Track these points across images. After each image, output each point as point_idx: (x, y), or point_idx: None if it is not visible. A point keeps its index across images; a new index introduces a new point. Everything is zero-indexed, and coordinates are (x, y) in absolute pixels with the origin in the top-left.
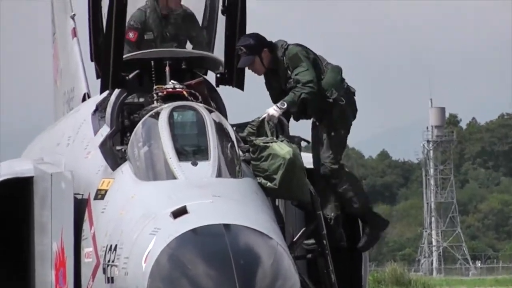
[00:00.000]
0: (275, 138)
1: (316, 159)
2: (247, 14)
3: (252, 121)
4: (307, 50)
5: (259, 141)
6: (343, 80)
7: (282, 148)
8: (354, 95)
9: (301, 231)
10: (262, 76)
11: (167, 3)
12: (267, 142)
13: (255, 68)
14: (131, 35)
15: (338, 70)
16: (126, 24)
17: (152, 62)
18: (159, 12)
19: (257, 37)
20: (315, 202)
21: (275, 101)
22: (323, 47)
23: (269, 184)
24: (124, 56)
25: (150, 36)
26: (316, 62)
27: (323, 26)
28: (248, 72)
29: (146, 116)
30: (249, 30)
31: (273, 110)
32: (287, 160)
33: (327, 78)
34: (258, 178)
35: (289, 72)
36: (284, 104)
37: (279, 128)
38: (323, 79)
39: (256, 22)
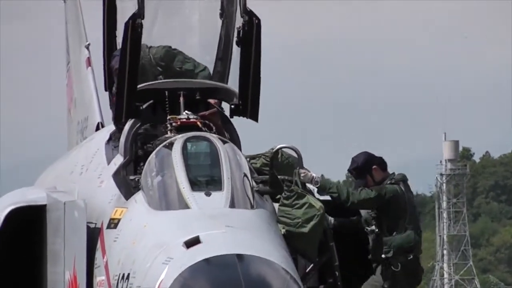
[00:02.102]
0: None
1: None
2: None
3: (266, 152)
4: (399, 196)
5: (297, 188)
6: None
7: (316, 202)
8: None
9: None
10: (276, 107)
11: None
12: (303, 192)
13: (369, 186)
14: None
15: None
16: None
17: (166, 92)
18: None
19: (364, 157)
20: (328, 234)
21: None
22: (334, 81)
23: (297, 230)
24: (138, 86)
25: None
26: (395, 207)
27: (334, 59)
28: (262, 104)
29: (160, 146)
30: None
31: (312, 176)
32: (321, 213)
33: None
34: (283, 221)
35: None
36: (318, 183)
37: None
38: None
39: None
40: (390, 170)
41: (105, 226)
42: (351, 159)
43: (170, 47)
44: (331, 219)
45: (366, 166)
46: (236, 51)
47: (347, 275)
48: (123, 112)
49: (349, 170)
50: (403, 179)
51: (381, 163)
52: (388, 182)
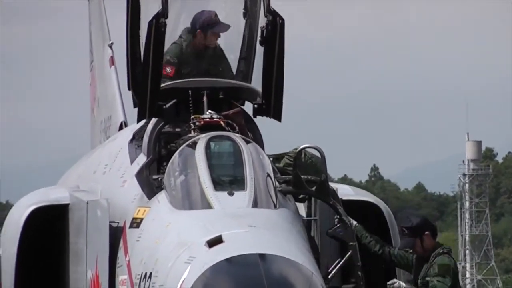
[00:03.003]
0: None
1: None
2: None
3: (289, 152)
4: (456, 267)
5: None
6: None
7: None
8: None
9: (336, 262)
10: (301, 106)
11: (204, 40)
12: None
13: (415, 249)
14: (168, 70)
15: None
16: (164, 59)
17: (190, 91)
18: (196, 47)
19: (420, 220)
20: (350, 233)
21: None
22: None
23: None
24: (161, 85)
25: (187, 70)
26: (456, 280)
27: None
28: (285, 103)
29: (183, 146)
30: None
31: (402, 285)
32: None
33: None
34: None
35: (430, 271)
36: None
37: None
38: None
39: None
40: (413, 169)
41: (127, 225)
42: (405, 216)
43: None
44: (354, 222)
45: (420, 230)
46: (259, 50)
47: (369, 275)
48: (146, 111)
49: (401, 227)
50: (450, 250)
51: (434, 231)
52: (441, 251)
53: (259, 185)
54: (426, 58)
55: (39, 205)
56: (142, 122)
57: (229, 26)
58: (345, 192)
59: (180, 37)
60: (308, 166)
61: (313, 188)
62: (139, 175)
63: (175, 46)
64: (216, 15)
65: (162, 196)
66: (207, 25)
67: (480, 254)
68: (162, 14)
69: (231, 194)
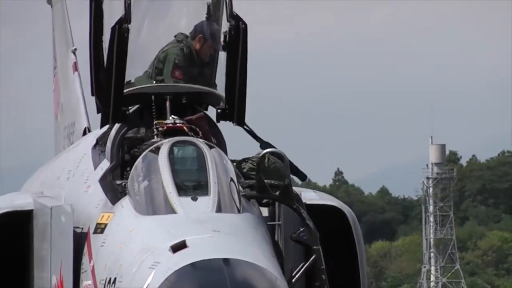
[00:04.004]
0: None
1: None
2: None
3: (253, 156)
4: None
5: None
6: None
7: None
8: None
9: (300, 266)
10: (262, 111)
11: (201, 48)
12: None
13: None
14: (177, 73)
15: None
16: (172, 63)
17: (153, 96)
18: (194, 55)
19: None
20: (314, 237)
21: None
22: (322, 80)
23: None
24: (124, 91)
25: (190, 73)
26: None
27: (321, 61)
28: (248, 108)
29: (147, 151)
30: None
31: None
32: None
33: None
34: None
35: None
36: None
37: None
38: None
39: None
40: (377, 173)
41: (92, 231)
42: None
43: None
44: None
45: None
46: (222, 55)
47: (333, 278)
48: (110, 116)
49: None
50: None
51: None
52: None
53: (222, 190)
54: (389, 60)
55: (2, 211)
56: (106, 127)
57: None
58: (309, 196)
59: (178, 41)
60: (272, 171)
61: (277, 193)
62: (103, 180)
63: (179, 50)
64: (219, 30)
65: (126, 201)
66: (210, 34)
67: (444, 258)
68: (125, 19)
69: (194, 199)
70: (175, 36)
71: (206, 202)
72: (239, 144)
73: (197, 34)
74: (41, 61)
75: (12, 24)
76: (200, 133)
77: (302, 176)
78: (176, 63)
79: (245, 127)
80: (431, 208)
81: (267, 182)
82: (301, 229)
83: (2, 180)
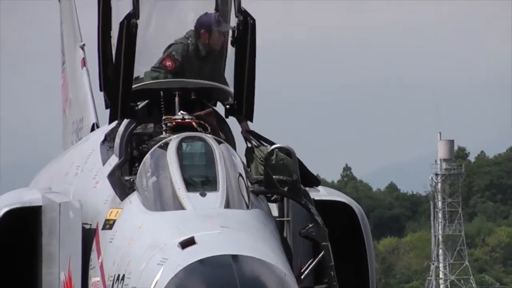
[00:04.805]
0: None
1: None
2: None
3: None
4: None
5: None
6: None
7: None
8: None
9: (308, 263)
10: (271, 108)
11: (208, 42)
12: None
13: None
14: (168, 63)
15: None
16: (167, 53)
17: (161, 92)
18: (201, 50)
19: None
20: (323, 233)
21: None
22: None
23: None
24: (133, 86)
25: (188, 70)
26: None
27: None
28: (257, 103)
29: (155, 147)
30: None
31: None
32: None
33: None
34: None
35: None
36: None
37: None
38: None
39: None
40: (385, 169)
41: (100, 227)
42: None
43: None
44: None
45: None
46: (231, 51)
47: (342, 274)
48: (118, 112)
49: None
50: None
51: None
52: None
53: (231, 186)
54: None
55: (12, 207)
56: (114, 123)
57: (230, 27)
58: (317, 192)
59: (186, 37)
60: (280, 166)
61: (285, 189)
62: (111, 176)
63: (181, 45)
64: (219, 15)
65: (134, 197)
66: (211, 24)
67: (453, 254)
68: (134, 14)
69: (203, 195)
70: (186, 33)
71: (215, 198)
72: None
73: (199, 30)
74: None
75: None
76: (209, 128)
77: (315, 181)
78: (172, 54)
79: (250, 136)
80: (439, 204)
81: (276, 178)
82: (310, 225)
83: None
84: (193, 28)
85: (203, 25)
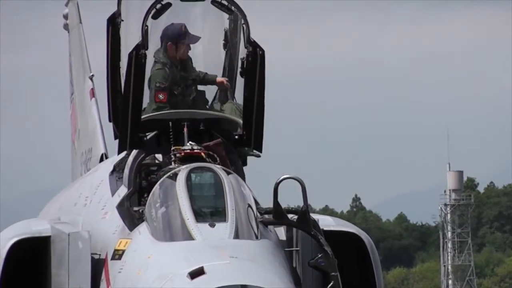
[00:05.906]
0: None
1: None
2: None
3: None
4: None
5: None
6: None
7: None
8: None
9: None
10: (279, 139)
11: (176, 53)
12: None
13: None
14: (161, 96)
15: None
16: (152, 87)
17: (170, 123)
18: (174, 62)
19: None
20: (332, 264)
21: None
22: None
23: None
24: (142, 117)
25: (178, 89)
26: None
27: (337, 90)
28: (266, 134)
29: (164, 177)
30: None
31: None
32: None
33: None
34: None
35: None
36: None
37: None
38: None
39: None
40: (394, 199)
41: (109, 257)
42: None
43: None
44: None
45: None
46: (240, 82)
47: None
48: (127, 143)
49: None
50: None
51: None
52: None
53: (240, 216)
54: (406, 87)
55: (21, 237)
56: (123, 154)
57: (199, 38)
58: (326, 222)
59: (156, 61)
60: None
61: (295, 219)
62: (120, 207)
63: (159, 71)
64: (185, 27)
65: (143, 227)
66: (177, 37)
67: (463, 285)
68: (142, 45)
69: (212, 225)
70: (154, 56)
71: (224, 229)
72: (257, 170)
73: (166, 43)
74: (58, 87)
75: (29, 49)
76: (217, 159)
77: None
78: (156, 86)
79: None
80: (449, 235)
81: (285, 208)
82: (319, 255)
83: (21, 206)
84: (159, 47)
85: (169, 38)
